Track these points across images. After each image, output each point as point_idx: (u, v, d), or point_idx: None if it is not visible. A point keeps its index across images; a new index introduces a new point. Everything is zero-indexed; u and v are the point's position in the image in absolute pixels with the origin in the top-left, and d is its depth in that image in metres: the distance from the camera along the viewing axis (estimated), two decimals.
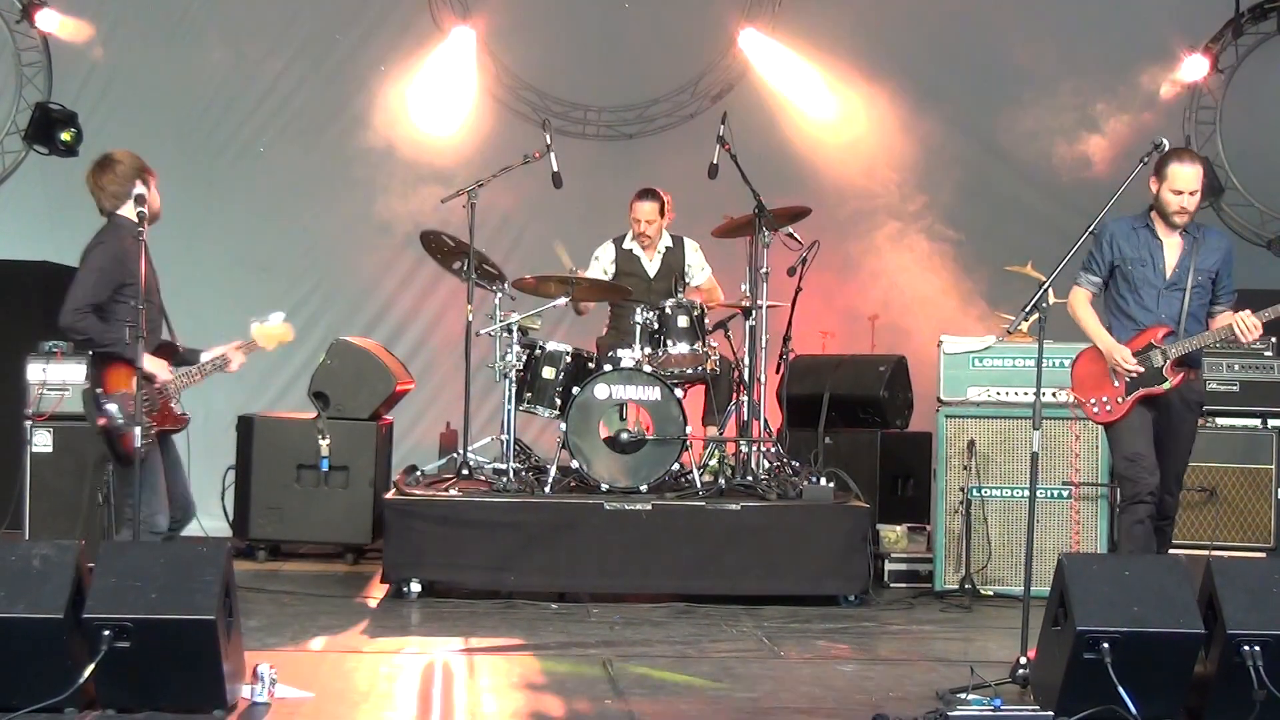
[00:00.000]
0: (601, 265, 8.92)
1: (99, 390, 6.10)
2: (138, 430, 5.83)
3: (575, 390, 7.97)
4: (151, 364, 6.13)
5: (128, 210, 6.20)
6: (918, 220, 10.53)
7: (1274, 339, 8.49)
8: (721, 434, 8.52)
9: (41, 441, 7.73)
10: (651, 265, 8.94)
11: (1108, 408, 6.57)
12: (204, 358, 6.39)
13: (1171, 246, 6.62)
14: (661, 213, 8.85)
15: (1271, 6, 10.75)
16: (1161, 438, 6.56)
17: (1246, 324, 6.44)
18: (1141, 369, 6.50)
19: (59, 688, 4.95)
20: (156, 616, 4.96)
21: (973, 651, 6.48)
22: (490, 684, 5.84)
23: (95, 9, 10.59)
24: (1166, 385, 6.50)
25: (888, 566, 8.33)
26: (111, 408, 6.08)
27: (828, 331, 10.28)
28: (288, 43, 10.86)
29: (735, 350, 8.48)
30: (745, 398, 8.27)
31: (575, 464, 7.97)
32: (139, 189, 6.18)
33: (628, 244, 8.95)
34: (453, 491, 7.88)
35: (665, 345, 8.17)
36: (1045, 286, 5.74)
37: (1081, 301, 6.72)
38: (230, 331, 10.54)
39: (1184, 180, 6.52)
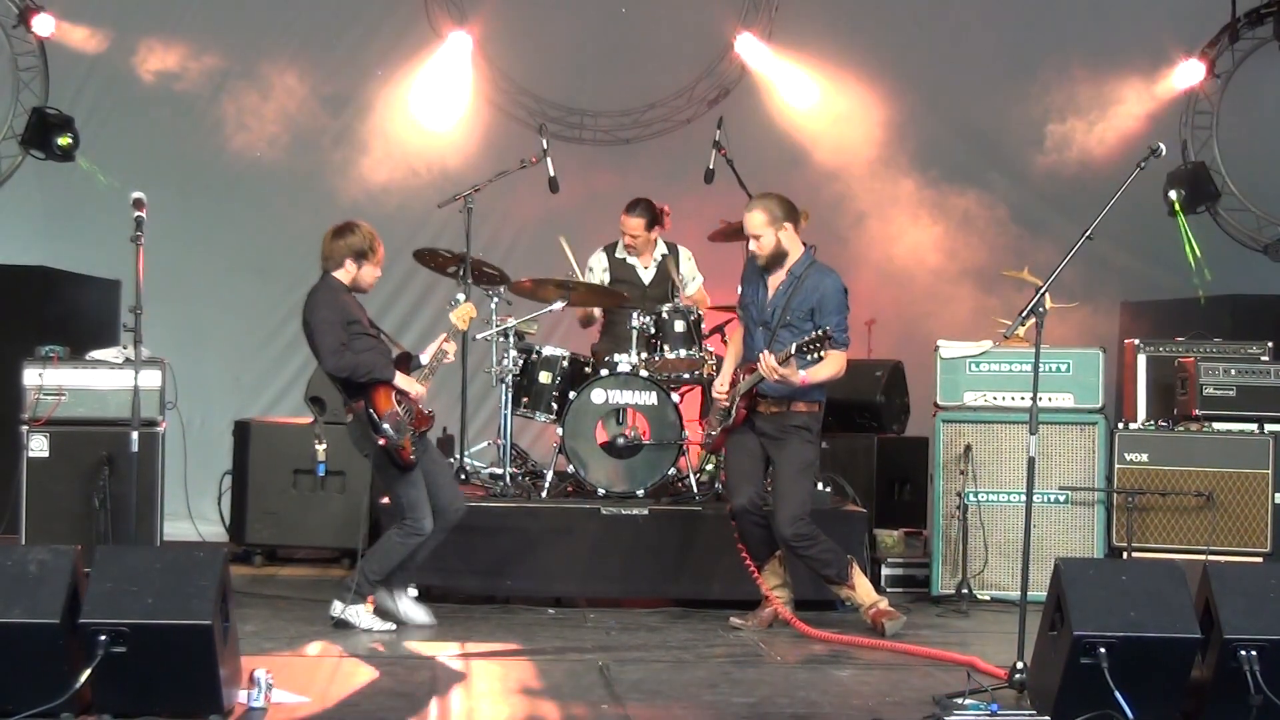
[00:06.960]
0: (596, 275, 8.89)
1: (373, 413, 6.70)
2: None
3: (572, 395, 7.97)
4: (404, 382, 6.81)
5: (340, 274, 6.83)
6: (914, 225, 10.52)
7: (1270, 344, 8.49)
8: None
9: (38, 446, 7.71)
10: (646, 273, 8.92)
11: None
12: (424, 359, 6.97)
13: (773, 286, 6.94)
14: (651, 225, 8.80)
15: (1268, 11, 10.75)
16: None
17: (768, 362, 6.66)
18: (727, 402, 6.98)
19: (55, 693, 4.94)
20: (153, 622, 4.95)
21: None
22: (487, 689, 5.84)
23: (92, 14, 10.58)
24: (730, 420, 6.96)
25: (884, 571, 8.33)
26: (388, 428, 6.68)
27: None
28: (284, 47, 10.83)
29: None
30: None
31: (572, 469, 7.98)
32: (350, 265, 6.83)
33: (620, 252, 8.91)
34: None
35: (662, 350, 8.17)
36: (1042, 291, 5.74)
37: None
38: (228, 333, 10.72)
39: (746, 226, 6.92)
